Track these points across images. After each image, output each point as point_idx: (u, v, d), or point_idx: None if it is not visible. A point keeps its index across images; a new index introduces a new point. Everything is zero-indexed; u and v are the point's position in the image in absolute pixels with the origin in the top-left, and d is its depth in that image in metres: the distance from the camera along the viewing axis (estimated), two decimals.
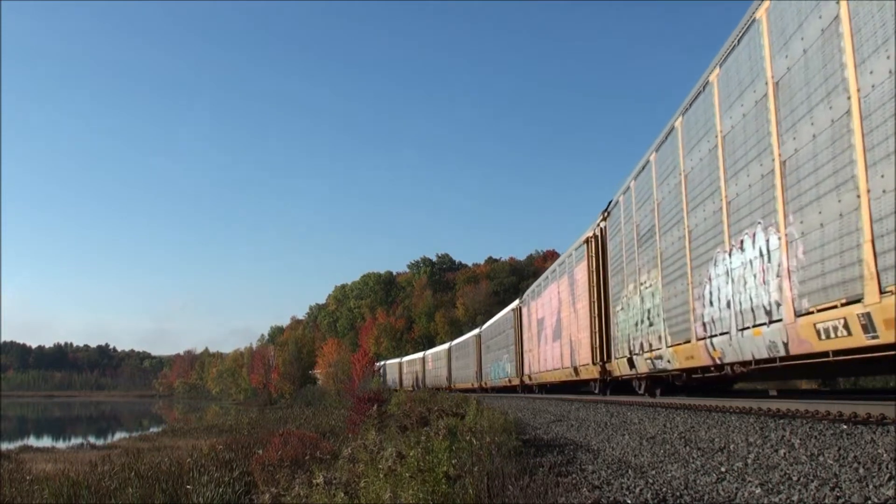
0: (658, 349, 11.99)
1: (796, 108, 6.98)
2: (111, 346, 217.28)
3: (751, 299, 8.10)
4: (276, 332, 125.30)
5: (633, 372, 14.07)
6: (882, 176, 5.51)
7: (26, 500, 11.72)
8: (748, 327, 8.20)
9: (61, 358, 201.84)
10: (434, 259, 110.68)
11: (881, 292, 5.53)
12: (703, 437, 7.18)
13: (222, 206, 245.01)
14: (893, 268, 5.39)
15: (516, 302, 30.81)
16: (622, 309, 14.70)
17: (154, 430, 36.75)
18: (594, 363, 16.85)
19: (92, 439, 31.62)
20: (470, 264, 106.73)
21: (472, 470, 5.28)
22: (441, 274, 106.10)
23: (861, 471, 4.45)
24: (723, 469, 5.20)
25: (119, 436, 34.17)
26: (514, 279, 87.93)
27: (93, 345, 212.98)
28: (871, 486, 4.03)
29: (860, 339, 5.91)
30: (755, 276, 7.98)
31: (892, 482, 4.05)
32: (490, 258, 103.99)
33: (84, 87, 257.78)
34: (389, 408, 18.36)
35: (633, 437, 8.02)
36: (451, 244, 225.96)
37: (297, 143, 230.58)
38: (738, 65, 8.50)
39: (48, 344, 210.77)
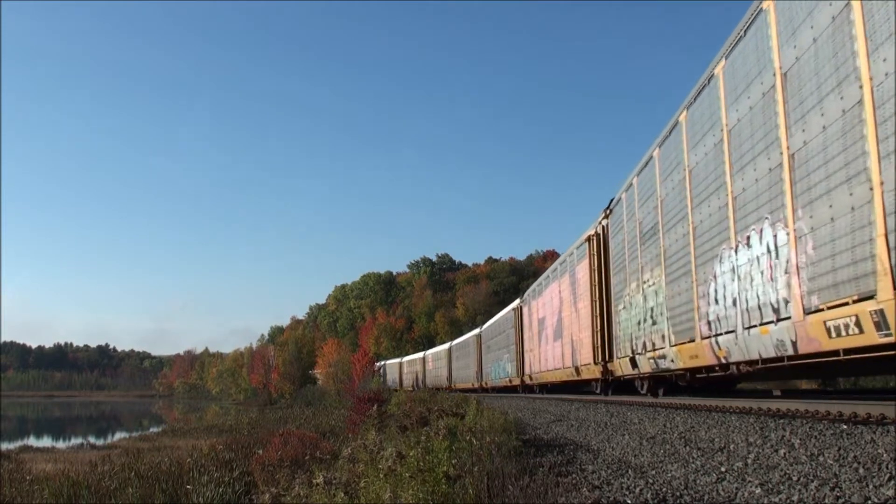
0: (661, 348, 11.84)
1: (805, 99, 6.80)
2: (111, 346, 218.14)
3: (758, 297, 7.92)
4: (276, 332, 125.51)
5: (636, 372, 13.93)
6: None
7: (26, 500, 11.69)
8: (755, 325, 8.03)
9: (61, 358, 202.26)
10: (434, 259, 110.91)
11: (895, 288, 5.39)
12: (703, 437, 7.16)
13: (222, 206, 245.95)
14: None
15: (517, 301, 30.79)
16: (624, 308, 14.57)
17: (154, 430, 36.76)
18: (596, 363, 16.75)
19: (92, 439, 31.63)
20: (470, 264, 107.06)
21: (472, 470, 5.23)
22: (441, 274, 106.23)
23: (861, 471, 4.42)
24: (723, 469, 5.18)
25: (119, 436, 34.19)
26: (514, 279, 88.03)
27: (93, 345, 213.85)
28: (871, 486, 4.01)
29: (872, 337, 5.75)
30: (762, 272, 7.80)
31: (892, 482, 4.03)
32: (490, 258, 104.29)
33: (84, 87, 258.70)
34: (389, 408, 18.31)
35: (633, 437, 7.99)
36: (451, 244, 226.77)
37: (297, 143, 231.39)
38: (744, 56, 8.33)
39: (48, 344, 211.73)
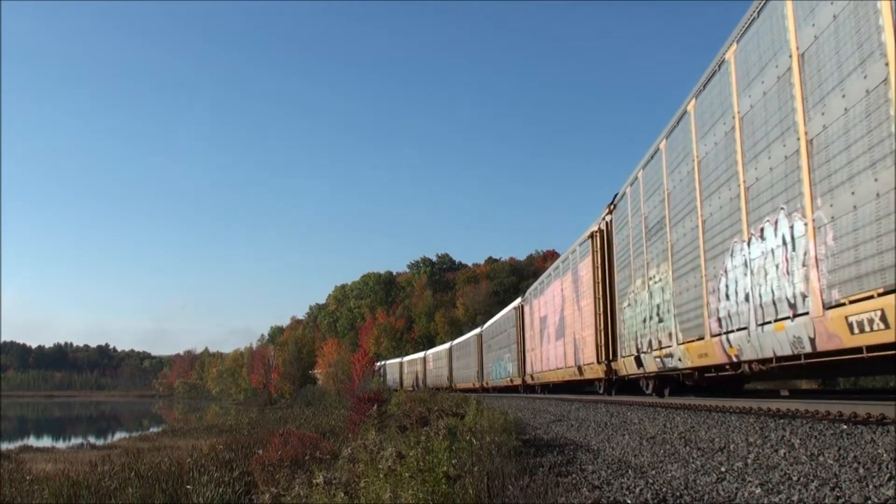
0: (668, 347, 11.53)
1: (825, 81, 6.42)
2: (111, 346, 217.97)
3: (772, 291, 7.56)
4: (276, 332, 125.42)
5: (641, 371, 13.65)
6: None
7: (26, 500, 11.69)
8: (769, 322, 7.68)
9: (61, 358, 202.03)
10: (434, 259, 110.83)
11: None
12: (703, 437, 7.14)
13: (222, 206, 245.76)
14: None
15: (518, 300, 30.71)
16: (629, 305, 14.30)
17: (154, 430, 36.73)
18: (599, 362, 16.54)
19: (92, 439, 31.60)
20: (470, 264, 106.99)
21: (472, 470, 5.24)
22: (441, 274, 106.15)
23: (861, 471, 4.42)
24: (723, 469, 5.17)
25: (119, 436, 34.16)
26: (514, 279, 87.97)
27: (93, 345, 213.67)
28: (871, 486, 4.00)
29: None
30: (777, 266, 7.44)
31: (892, 482, 4.03)
32: (490, 258, 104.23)
33: (84, 87, 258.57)
34: (389, 408, 18.31)
35: (633, 436, 7.98)
36: (451, 244, 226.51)
37: (297, 143, 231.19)
38: (758, 38, 7.92)
39: (48, 344, 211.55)
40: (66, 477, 13.09)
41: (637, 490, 4.75)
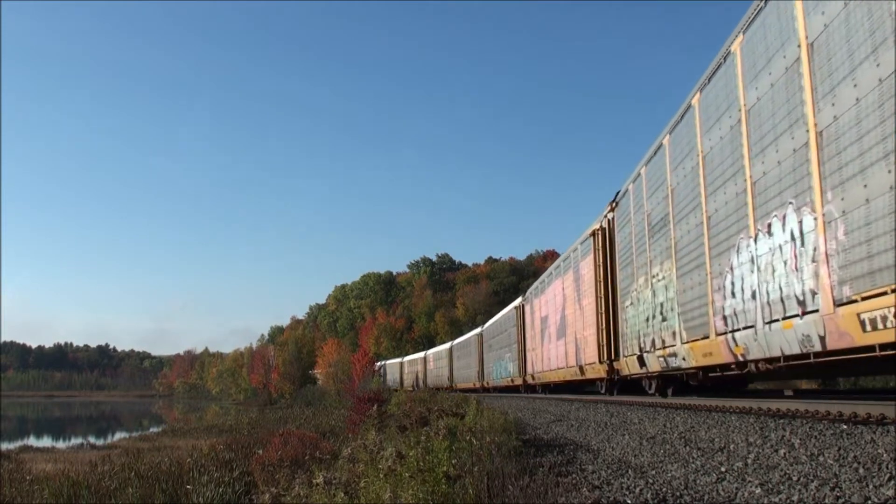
0: (672, 346, 11.36)
1: (836, 70, 6.23)
2: (111, 346, 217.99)
3: (780, 289, 7.35)
4: (276, 332, 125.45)
5: (644, 371, 13.46)
6: None
7: (26, 500, 11.69)
8: (777, 320, 7.47)
9: (61, 358, 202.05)
10: (434, 259, 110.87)
11: None
12: (703, 437, 7.14)
13: (222, 206, 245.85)
14: None
15: (519, 300, 30.67)
16: (631, 304, 14.14)
17: (154, 430, 36.73)
18: (601, 362, 16.40)
19: (92, 439, 31.61)
20: (470, 264, 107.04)
21: (472, 470, 5.24)
22: (441, 274, 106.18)
23: (861, 471, 4.42)
24: (723, 469, 5.17)
25: (119, 436, 34.16)
26: (514, 279, 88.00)
27: (93, 345, 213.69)
28: (871, 486, 4.00)
29: None
30: (786, 262, 7.22)
31: (892, 482, 4.02)
32: (490, 258, 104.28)
33: (84, 87, 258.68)
34: (389, 408, 18.30)
35: (633, 437, 7.98)
36: (451, 244, 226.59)
37: (297, 143, 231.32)
38: (765, 29, 7.75)
39: (48, 344, 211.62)
40: (66, 477, 13.09)
41: (637, 490, 4.74)
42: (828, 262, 6.37)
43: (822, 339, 6.59)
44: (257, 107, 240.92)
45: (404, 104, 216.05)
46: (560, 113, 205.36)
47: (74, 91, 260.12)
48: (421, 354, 62.42)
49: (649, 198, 12.87)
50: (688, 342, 10.59)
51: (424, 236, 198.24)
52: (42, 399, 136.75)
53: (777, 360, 7.78)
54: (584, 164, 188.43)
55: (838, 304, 6.22)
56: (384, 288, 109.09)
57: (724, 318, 9.05)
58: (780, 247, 7.38)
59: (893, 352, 5.67)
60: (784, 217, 7.29)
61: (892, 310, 5.45)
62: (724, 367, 9.69)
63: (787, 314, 7.25)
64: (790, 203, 7.16)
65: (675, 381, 13.13)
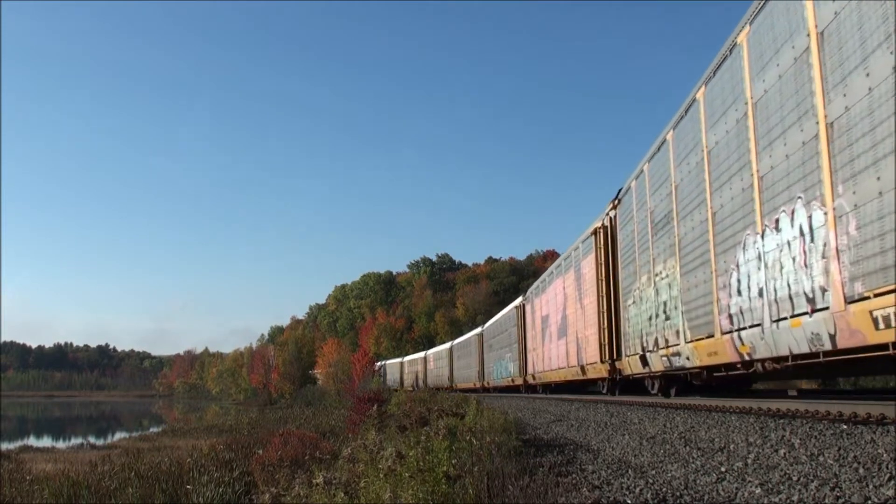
0: (675, 345, 11.20)
1: (847, 59, 6.04)
2: (111, 346, 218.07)
3: (788, 286, 7.17)
4: (276, 332, 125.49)
5: (647, 370, 13.29)
6: None
7: (26, 500, 11.69)
8: (785, 318, 7.28)
9: (61, 358, 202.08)
10: (434, 259, 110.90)
11: None
12: (703, 437, 7.14)
13: (222, 206, 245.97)
14: None
15: (519, 299, 30.61)
16: (634, 303, 14.00)
17: (154, 430, 36.73)
18: (602, 361, 16.29)
19: (92, 439, 31.61)
20: (470, 264, 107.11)
21: (472, 470, 5.24)
22: (441, 274, 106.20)
23: (861, 471, 4.42)
24: (723, 469, 5.17)
25: (119, 436, 34.16)
26: (514, 279, 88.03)
27: (93, 345, 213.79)
28: (871, 486, 4.00)
29: None
30: (794, 258, 7.04)
31: (892, 482, 4.02)
32: (490, 258, 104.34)
33: (84, 87, 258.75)
34: (389, 408, 18.30)
35: (633, 436, 7.98)
36: (451, 244, 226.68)
37: (297, 143, 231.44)
38: (772, 19, 7.59)
39: (48, 344, 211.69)
40: (66, 477, 13.09)
41: (637, 490, 4.74)
42: (839, 258, 6.19)
43: (833, 337, 6.43)
44: (257, 107, 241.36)
45: (404, 104, 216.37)
46: (560, 113, 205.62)
47: (74, 91, 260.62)
48: (421, 354, 62.43)
49: (652, 195, 12.71)
50: (692, 341, 10.44)
51: (424, 236, 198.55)
52: (42, 399, 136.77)
53: (785, 359, 7.62)
54: (584, 164, 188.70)
55: (849, 301, 6.05)
56: (384, 288, 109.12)
57: (730, 316, 8.90)
58: (789, 243, 7.21)
59: None
60: (793, 212, 7.12)
61: None
62: (730, 366, 9.54)
63: (796, 312, 7.07)
64: (799, 197, 6.97)
65: (679, 381, 12.99)
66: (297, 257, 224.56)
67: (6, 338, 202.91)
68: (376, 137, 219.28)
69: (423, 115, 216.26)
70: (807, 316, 6.83)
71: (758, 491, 4.29)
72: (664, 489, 4.71)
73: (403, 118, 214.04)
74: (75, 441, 31.40)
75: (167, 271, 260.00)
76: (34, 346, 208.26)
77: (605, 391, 18.01)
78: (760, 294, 7.91)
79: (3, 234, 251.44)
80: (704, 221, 9.85)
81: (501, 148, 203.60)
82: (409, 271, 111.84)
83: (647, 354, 13.02)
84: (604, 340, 16.20)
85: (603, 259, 16.49)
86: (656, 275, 12.45)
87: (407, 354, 72.82)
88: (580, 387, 21.48)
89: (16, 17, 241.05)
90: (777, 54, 7.47)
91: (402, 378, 64.50)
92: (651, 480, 5.07)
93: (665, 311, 11.87)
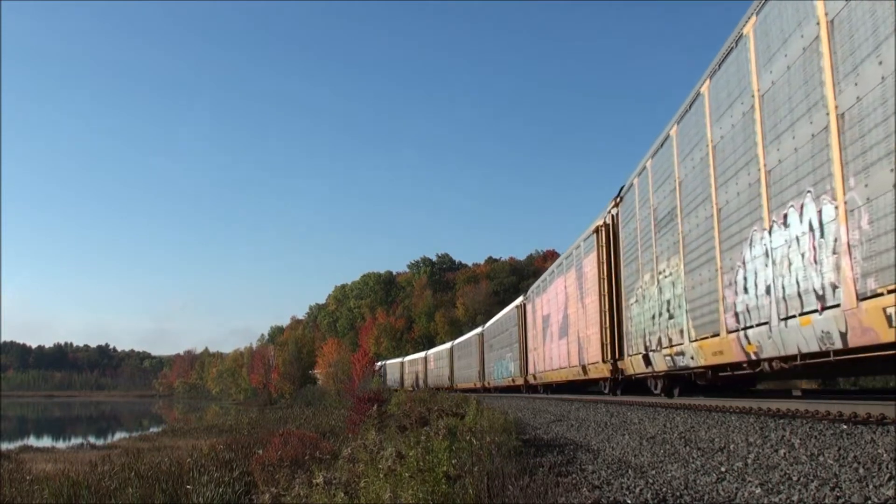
0: (679, 344, 11.03)
1: (858, 48, 5.88)
2: (111, 346, 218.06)
3: (797, 283, 6.97)
4: (276, 332, 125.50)
5: (650, 370, 13.12)
6: None
7: (26, 500, 11.69)
8: (793, 316, 7.10)
9: (61, 358, 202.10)
10: (434, 259, 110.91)
11: None
12: (703, 437, 7.14)
13: (222, 206, 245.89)
14: None
15: (520, 298, 30.56)
16: (636, 302, 13.84)
17: (154, 430, 36.73)
18: (604, 361, 16.17)
19: (92, 439, 31.61)
20: (470, 264, 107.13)
21: (472, 470, 5.24)
22: (441, 274, 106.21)
23: (861, 471, 4.42)
24: (723, 469, 5.18)
25: (119, 436, 34.16)
26: (514, 279, 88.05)
27: (93, 345, 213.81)
28: (871, 486, 4.01)
29: None
30: (803, 255, 6.85)
31: (892, 482, 4.03)
32: (490, 258, 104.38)
33: (84, 87, 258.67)
34: (389, 408, 18.30)
35: (633, 436, 7.98)
36: (451, 244, 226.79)
37: (297, 143, 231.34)
38: (779, 9, 7.41)
39: (48, 344, 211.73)
40: (66, 477, 13.09)
41: (637, 490, 4.75)
42: (850, 254, 5.99)
43: (844, 335, 6.23)
44: (257, 107, 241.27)
45: (404, 104, 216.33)
46: (560, 113, 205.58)
47: (74, 91, 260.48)
48: (421, 354, 62.44)
49: (655, 191, 12.53)
50: (696, 340, 10.28)
51: (424, 236, 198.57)
52: (42, 399, 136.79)
53: (793, 358, 7.45)
54: (584, 164, 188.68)
55: (862, 297, 5.87)
56: (384, 288, 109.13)
57: (736, 314, 8.71)
58: (798, 238, 7.02)
59: None
60: (801, 207, 6.93)
61: None
62: (736, 366, 9.34)
63: (805, 310, 6.88)
64: (808, 192, 6.78)
65: (682, 381, 12.86)
66: (297, 257, 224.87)
67: (6, 338, 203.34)
68: (376, 137, 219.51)
69: (423, 115, 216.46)
70: (816, 314, 6.64)
71: (758, 491, 4.29)
72: (664, 489, 4.71)
73: (403, 118, 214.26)
74: (75, 441, 31.40)
75: (167, 271, 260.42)
76: (34, 346, 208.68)
77: (607, 391, 17.93)
78: (768, 291, 7.73)
79: (3, 234, 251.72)
80: (709, 218, 9.68)
81: (501, 148, 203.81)
82: (409, 271, 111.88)
83: (651, 354, 12.89)
84: (606, 340, 16.07)
85: (605, 257, 16.35)
86: (659, 273, 12.31)
87: (407, 354, 72.82)
88: (581, 387, 21.43)
89: (16, 17, 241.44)
90: (785, 44, 7.29)
91: (402, 378, 64.50)
92: (651, 480, 5.07)
93: (668, 310, 11.75)
